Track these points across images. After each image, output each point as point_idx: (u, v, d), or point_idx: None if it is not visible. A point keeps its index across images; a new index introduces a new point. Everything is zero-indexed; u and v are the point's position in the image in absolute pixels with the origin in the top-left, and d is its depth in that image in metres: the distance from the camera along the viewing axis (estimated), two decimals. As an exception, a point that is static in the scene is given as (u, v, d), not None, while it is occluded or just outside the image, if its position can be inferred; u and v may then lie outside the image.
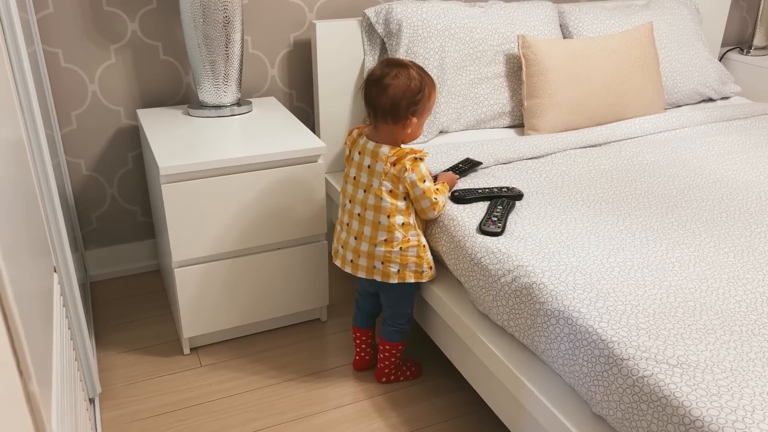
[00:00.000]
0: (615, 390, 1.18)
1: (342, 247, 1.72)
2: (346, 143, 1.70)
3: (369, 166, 1.61)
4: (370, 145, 1.60)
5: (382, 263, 1.64)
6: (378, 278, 1.66)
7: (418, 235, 1.64)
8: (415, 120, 1.58)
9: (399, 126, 1.58)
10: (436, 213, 1.65)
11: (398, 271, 1.64)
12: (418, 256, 1.65)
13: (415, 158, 1.58)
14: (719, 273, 1.40)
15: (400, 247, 1.63)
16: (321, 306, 2.09)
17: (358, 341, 1.87)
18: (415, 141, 2.08)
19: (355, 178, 1.65)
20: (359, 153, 1.63)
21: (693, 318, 1.25)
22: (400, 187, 1.59)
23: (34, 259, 0.85)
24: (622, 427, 1.17)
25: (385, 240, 1.62)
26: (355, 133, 1.67)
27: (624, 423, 1.16)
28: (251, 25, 2.23)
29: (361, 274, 1.68)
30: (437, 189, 1.64)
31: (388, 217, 1.61)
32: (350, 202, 1.67)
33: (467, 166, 1.87)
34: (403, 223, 1.62)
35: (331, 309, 2.18)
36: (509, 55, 2.23)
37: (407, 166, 1.57)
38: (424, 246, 1.66)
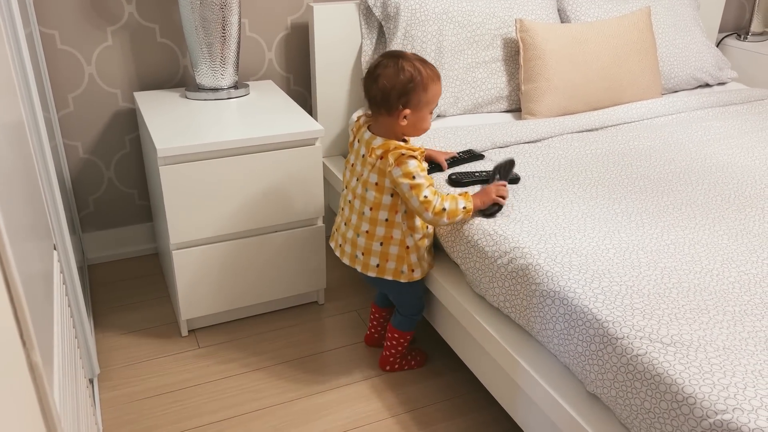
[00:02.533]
0: (609, 369, 1.20)
1: (336, 230, 1.73)
2: (352, 129, 1.67)
3: (363, 156, 1.59)
4: (367, 135, 1.59)
5: (363, 254, 1.64)
6: (358, 268, 1.65)
7: (403, 234, 1.59)
8: (408, 111, 1.51)
9: (393, 118, 1.53)
10: (430, 215, 1.52)
11: (377, 265, 1.63)
12: (399, 256, 1.61)
13: (402, 154, 1.50)
14: (713, 255, 1.41)
15: (381, 243, 1.61)
16: (318, 289, 2.10)
17: (372, 317, 1.90)
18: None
19: (353, 165, 1.64)
20: (358, 141, 1.62)
21: (687, 298, 1.27)
22: (386, 182, 1.54)
23: (36, 237, 0.86)
24: (616, 405, 1.19)
25: (367, 232, 1.61)
26: (362, 119, 1.64)
27: (618, 401, 1.18)
28: (248, 7, 2.22)
29: (346, 261, 1.69)
30: (444, 195, 1.54)
31: (371, 209, 1.59)
32: (346, 188, 1.67)
33: (468, 156, 1.86)
34: (387, 219, 1.58)
35: (329, 292, 2.19)
36: (507, 39, 2.23)
37: (390, 161, 1.51)
38: (408, 247, 1.61)
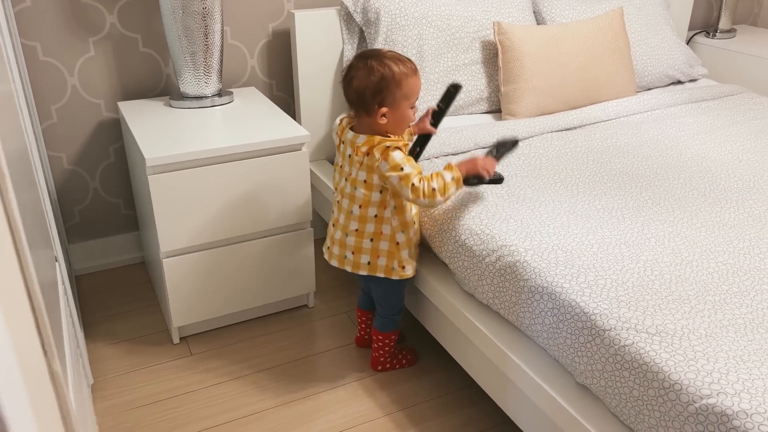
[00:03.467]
0: (598, 360, 1.24)
1: (327, 233, 1.75)
2: (336, 133, 1.68)
3: (349, 156, 1.61)
4: (350, 135, 1.60)
5: (353, 253, 1.66)
6: (348, 269, 1.67)
7: (393, 229, 1.62)
8: (385, 109, 1.53)
9: (373, 117, 1.55)
10: (426, 200, 1.53)
11: (368, 263, 1.65)
12: (389, 252, 1.64)
13: (387, 147, 1.53)
14: (692, 247, 1.47)
15: (371, 239, 1.63)
16: (308, 292, 2.13)
17: (360, 320, 1.94)
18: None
19: (341, 166, 1.66)
20: (343, 143, 1.64)
21: (669, 289, 1.32)
22: (375, 178, 1.57)
23: (43, 247, 0.87)
24: (605, 395, 1.23)
25: (356, 230, 1.63)
26: (345, 122, 1.65)
27: (607, 391, 1.22)
28: (230, 15, 2.24)
29: (334, 263, 1.71)
30: (429, 176, 1.54)
31: (360, 207, 1.61)
32: (336, 190, 1.69)
33: (444, 107, 1.72)
34: (376, 215, 1.61)
35: (318, 294, 2.22)
36: (485, 42, 2.28)
37: (377, 156, 1.54)
38: (398, 243, 1.63)
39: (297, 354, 1.95)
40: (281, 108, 2.40)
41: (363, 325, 1.94)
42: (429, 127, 1.69)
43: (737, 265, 1.41)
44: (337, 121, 1.70)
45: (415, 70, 1.57)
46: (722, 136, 2.09)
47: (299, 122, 2.31)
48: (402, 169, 1.52)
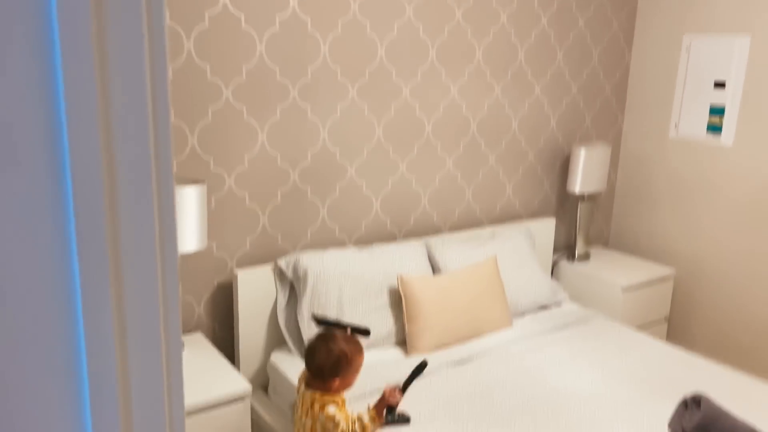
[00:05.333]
0: None
1: None
2: (300, 379, 2.14)
3: (302, 404, 2.08)
4: (302, 388, 2.10)
5: None
6: None
7: None
8: (338, 380, 2.02)
9: (327, 384, 2.05)
10: None
11: None
12: None
13: (324, 403, 2.00)
14: (551, 480, 1.96)
15: None
16: None
17: None
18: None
19: (298, 409, 2.11)
20: (298, 392, 2.11)
21: None
22: (318, 427, 2.02)
23: None
24: None
25: None
26: (302, 375, 2.13)
27: None
28: (183, 277, 2.70)
29: None
30: (356, 419, 1.99)
31: None
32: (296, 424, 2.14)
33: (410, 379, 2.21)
34: None
35: None
36: (392, 290, 2.84)
37: (316, 408, 2.01)
38: None
39: None
40: (222, 345, 2.82)
41: None
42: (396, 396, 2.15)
43: (582, 495, 1.90)
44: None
45: (361, 351, 2.10)
46: (578, 365, 2.68)
47: (239, 357, 2.72)
48: (335, 418, 2.00)
